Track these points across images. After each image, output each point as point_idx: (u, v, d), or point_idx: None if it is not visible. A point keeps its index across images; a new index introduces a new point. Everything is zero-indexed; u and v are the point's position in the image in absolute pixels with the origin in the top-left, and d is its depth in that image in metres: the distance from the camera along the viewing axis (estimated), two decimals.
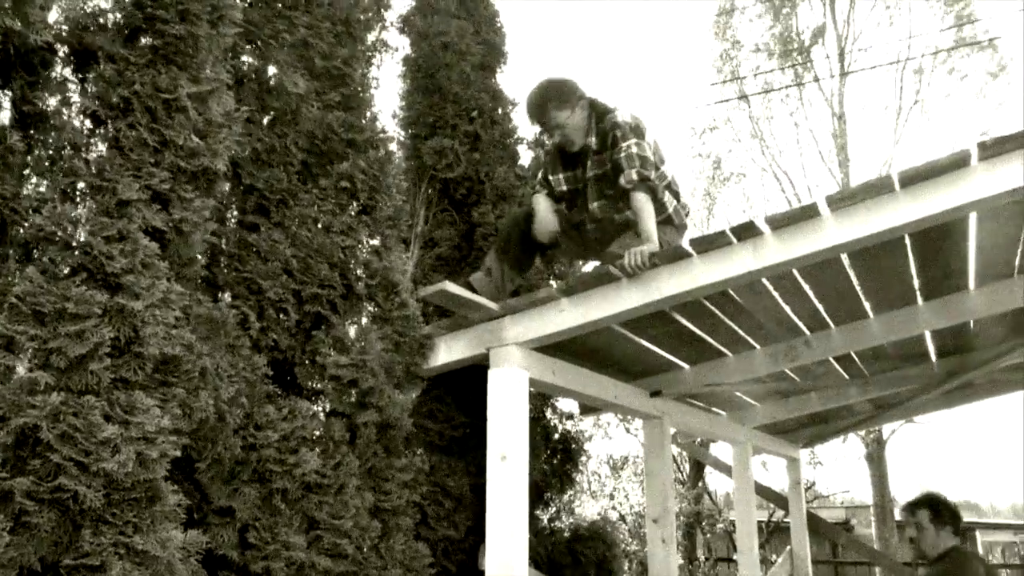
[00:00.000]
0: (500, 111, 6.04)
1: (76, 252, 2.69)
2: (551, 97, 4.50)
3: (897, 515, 22.43)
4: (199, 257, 3.16)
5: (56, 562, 2.40)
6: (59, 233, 2.68)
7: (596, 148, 4.50)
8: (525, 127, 6.36)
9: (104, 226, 2.71)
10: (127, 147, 2.88)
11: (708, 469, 15.93)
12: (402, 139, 5.89)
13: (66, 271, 2.69)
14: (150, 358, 2.71)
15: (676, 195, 4.58)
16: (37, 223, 2.67)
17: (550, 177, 4.74)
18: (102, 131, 3.03)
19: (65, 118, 3.14)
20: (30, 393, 2.42)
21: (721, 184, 23.18)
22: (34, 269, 2.60)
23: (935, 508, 4.64)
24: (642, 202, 4.23)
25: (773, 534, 15.19)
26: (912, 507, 4.72)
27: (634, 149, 4.28)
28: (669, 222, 4.49)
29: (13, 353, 2.48)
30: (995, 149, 3.10)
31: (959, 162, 3.16)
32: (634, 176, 4.24)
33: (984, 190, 3.14)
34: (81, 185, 2.94)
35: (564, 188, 4.70)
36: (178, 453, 2.70)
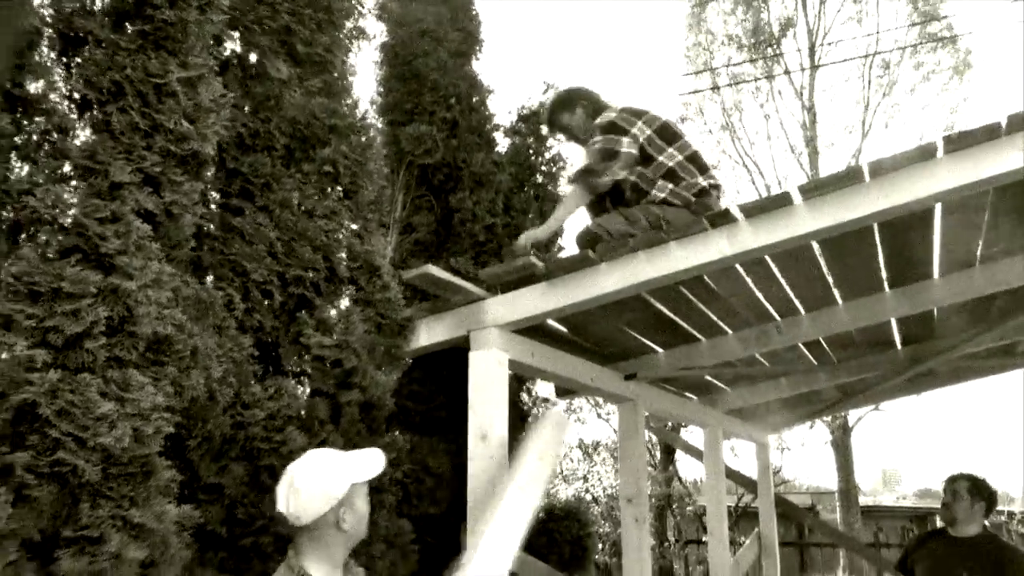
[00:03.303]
0: (477, 98, 6.11)
1: (70, 233, 2.74)
2: (556, 103, 4.92)
3: (861, 500, 22.75)
4: (189, 239, 3.21)
5: (55, 534, 2.46)
6: (53, 215, 2.73)
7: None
8: (502, 115, 6.45)
9: (97, 208, 2.76)
10: (118, 130, 2.93)
11: (679, 455, 16.12)
12: (380, 125, 5.94)
13: (60, 252, 2.74)
14: (143, 337, 2.77)
15: (676, 179, 4.53)
16: (31, 205, 2.71)
17: None
18: (91, 115, 3.07)
19: (53, 102, 3.18)
20: (28, 370, 2.47)
21: None
22: (29, 249, 2.65)
23: (975, 482, 4.99)
24: (568, 193, 4.65)
25: (741, 518, 15.40)
26: (955, 477, 5.06)
27: (596, 147, 4.53)
28: (667, 203, 4.51)
29: (10, 331, 2.53)
30: (960, 143, 3.22)
31: (926, 154, 3.27)
32: (574, 172, 4.63)
33: (949, 182, 3.27)
34: (70, 168, 2.99)
35: None
36: (172, 429, 2.77)
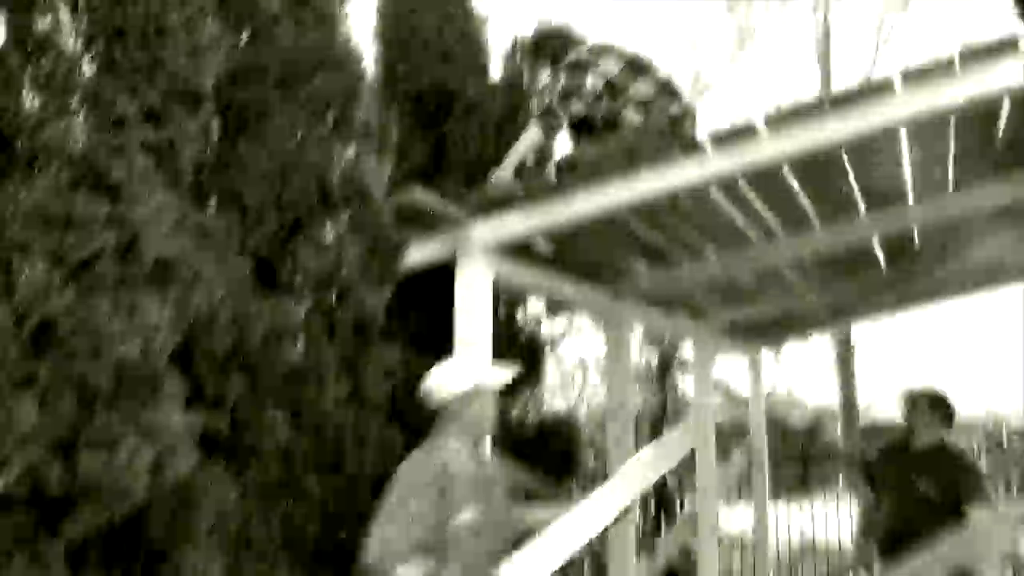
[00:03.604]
0: (471, 27, 6.26)
1: (79, 165, 2.98)
2: (531, 41, 5.33)
3: (863, 419, 23.12)
4: (189, 170, 3.45)
5: (75, 436, 2.75)
6: (64, 147, 2.96)
7: None
8: (501, 44, 6.62)
9: (104, 141, 3.00)
10: (123, 68, 3.16)
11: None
12: (375, 55, 6.11)
13: (70, 183, 2.98)
14: (149, 261, 3.03)
15: (647, 109, 4.76)
16: (44, 137, 2.95)
17: None
18: (97, 53, 3.28)
19: (60, 39, 3.38)
20: (46, 290, 2.74)
21: (699, 95, 23.28)
22: (42, 180, 2.89)
23: (934, 397, 5.24)
24: (529, 130, 4.85)
25: (734, 434, 15.74)
26: (914, 392, 5.33)
27: (560, 84, 4.75)
28: (639, 132, 4.73)
29: (28, 256, 2.79)
30: (916, 76, 3.43)
31: (884, 87, 3.48)
32: (538, 110, 4.86)
33: (905, 111, 3.49)
34: (77, 103, 3.21)
35: None
36: (177, 345, 3.05)
